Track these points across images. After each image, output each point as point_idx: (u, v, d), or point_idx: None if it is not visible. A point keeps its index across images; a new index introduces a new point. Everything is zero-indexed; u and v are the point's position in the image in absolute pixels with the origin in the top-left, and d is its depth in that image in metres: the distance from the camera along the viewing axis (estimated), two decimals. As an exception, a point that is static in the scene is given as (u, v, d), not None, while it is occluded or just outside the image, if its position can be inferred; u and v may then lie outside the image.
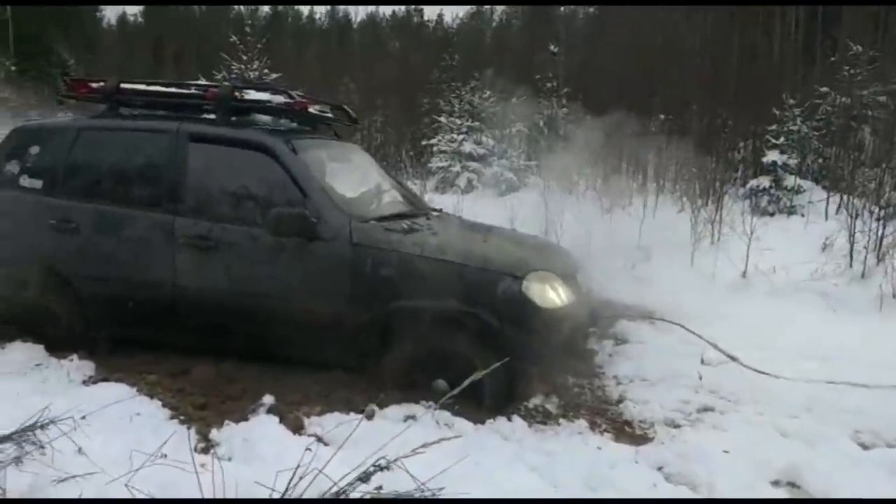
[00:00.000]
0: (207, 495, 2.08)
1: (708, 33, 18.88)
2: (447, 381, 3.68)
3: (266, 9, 42.24)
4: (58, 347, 4.13)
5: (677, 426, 3.76)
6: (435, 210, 5.05)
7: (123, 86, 4.46)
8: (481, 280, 3.70)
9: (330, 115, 4.83)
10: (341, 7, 44.52)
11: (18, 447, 2.50)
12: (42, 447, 2.52)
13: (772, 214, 10.07)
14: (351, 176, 4.74)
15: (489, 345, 3.59)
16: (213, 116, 4.39)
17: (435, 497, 2.02)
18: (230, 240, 3.99)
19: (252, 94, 4.33)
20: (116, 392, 3.50)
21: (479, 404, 3.58)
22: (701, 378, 4.37)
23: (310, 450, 2.68)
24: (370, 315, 3.77)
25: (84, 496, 2.27)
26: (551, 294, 3.78)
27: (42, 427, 2.58)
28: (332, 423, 3.24)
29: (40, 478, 2.35)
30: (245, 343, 4.08)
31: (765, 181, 10.77)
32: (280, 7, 42.84)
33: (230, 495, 2.12)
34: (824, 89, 12.64)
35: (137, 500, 2.20)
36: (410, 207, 4.78)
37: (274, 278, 3.92)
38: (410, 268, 3.74)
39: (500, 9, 40.67)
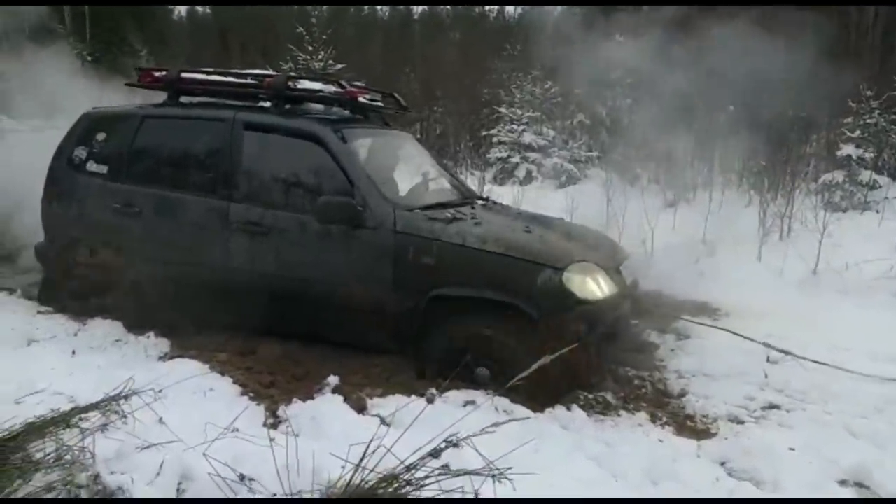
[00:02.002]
0: (280, 468, 2.18)
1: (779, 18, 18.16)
2: (488, 369, 3.73)
3: (329, 0, 42.69)
4: (133, 325, 4.33)
5: (741, 422, 3.70)
6: (481, 199, 5.06)
7: (184, 75, 4.62)
8: (521, 271, 3.69)
9: (380, 103, 4.89)
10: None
11: (104, 416, 2.66)
12: (125, 416, 2.67)
13: (845, 210, 9.69)
14: (399, 164, 4.82)
15: (531, 335, 3.59)
16: (269, 105, 4.50)
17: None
18: (280, 226, 4.11)
19: (305, 84, 4.44)
20: (190, 368, 3.67)
21: (534, 393, 3.57)
22: (766, 375, 4.28)
23: (384, 425, 2.75)
24: (411, 302, 3.84)
25: (165, 463, 2.40)
26: (592, 286, 3.75)
27: (125, 398, 2.74)
28: (393, 404, 3.32)
29: (125, 444, 2.49)
30: (293, 325, 4.21)
31: (838, 175, 10.34)
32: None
33: (304, 468, 2.21)
34: (905, 80, 12.01)
35: (137, 499, 2.30)
36: (457, 196, 4.82)
37: (321, 264, 4.02)
38: (451, 257, 3.78)
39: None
